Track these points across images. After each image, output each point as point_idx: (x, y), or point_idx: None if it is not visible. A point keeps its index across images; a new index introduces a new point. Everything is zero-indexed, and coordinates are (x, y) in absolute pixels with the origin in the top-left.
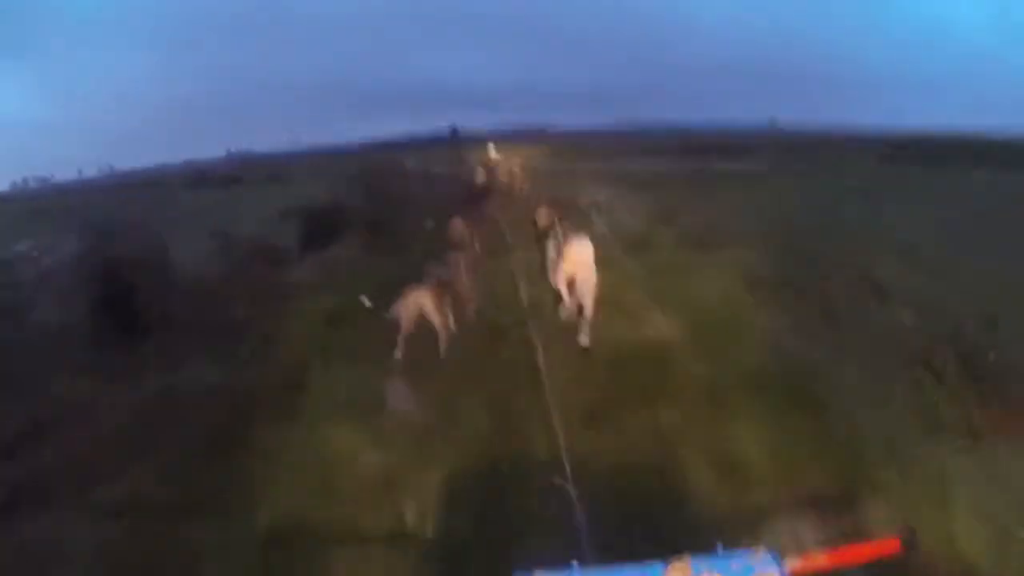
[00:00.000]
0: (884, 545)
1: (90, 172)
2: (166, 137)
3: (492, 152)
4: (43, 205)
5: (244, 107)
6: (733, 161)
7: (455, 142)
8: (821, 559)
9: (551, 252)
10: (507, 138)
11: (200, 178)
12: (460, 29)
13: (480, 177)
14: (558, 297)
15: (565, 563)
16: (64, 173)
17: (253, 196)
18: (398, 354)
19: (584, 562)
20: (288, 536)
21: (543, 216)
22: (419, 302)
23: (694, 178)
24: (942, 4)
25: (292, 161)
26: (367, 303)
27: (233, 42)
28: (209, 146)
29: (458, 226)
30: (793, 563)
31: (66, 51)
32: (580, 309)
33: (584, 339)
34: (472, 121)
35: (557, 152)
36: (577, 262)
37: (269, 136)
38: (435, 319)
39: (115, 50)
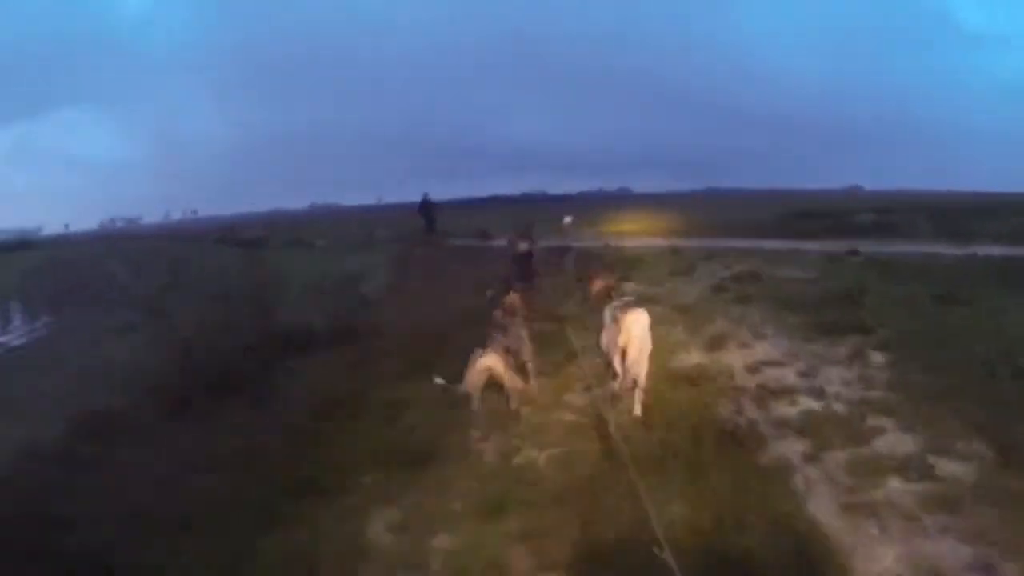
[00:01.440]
0: None
1: (176, 215)
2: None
3: (568, 218)
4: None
5: (330, 162)
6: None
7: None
8: None
9: (607, 321)
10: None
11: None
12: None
13: (523, 247)
14: (612, 370)
15: None
16: (152, 216)
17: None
18: (475, 404)
19: None
20: None
21: (597, 286)
22: (487, 365)
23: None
24: None
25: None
26: (440, 381)
27: (325, 97)
28: (292, 198)
29: (514, 296)
30: None
31: (160, 98)
32: (634, 381)
33: (638, 409)
34: (554, 186)
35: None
36: (632, 333)
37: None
38: (505, 378)
39: (207, 99)
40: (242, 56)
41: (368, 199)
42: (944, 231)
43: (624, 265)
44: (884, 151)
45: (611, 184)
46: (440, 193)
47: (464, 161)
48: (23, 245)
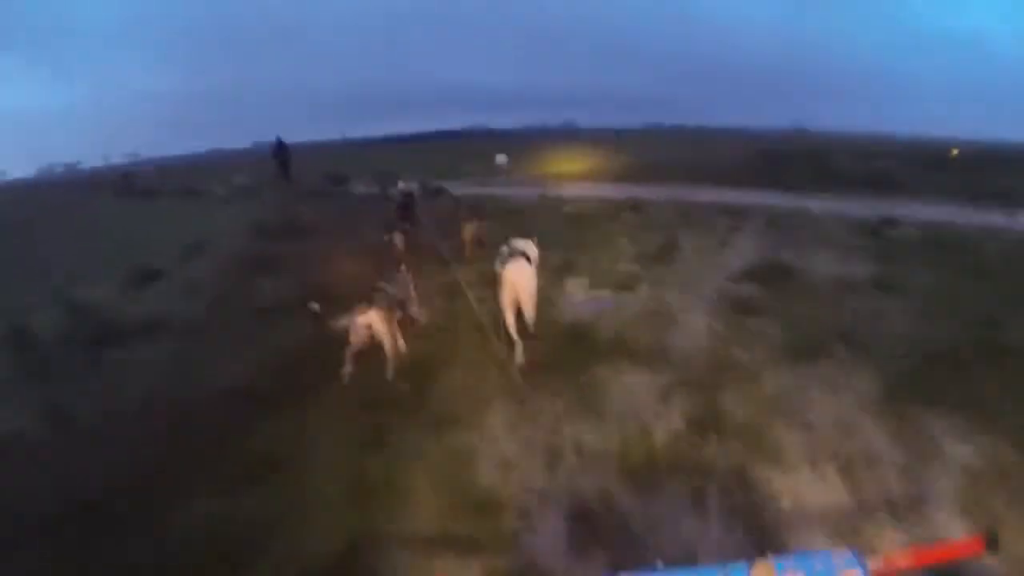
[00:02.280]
0: (967, 545)
1: (117, 159)
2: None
3: (502, 158)
4: None
5: (269, 106)
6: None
7: (280, 154)
8: (903, 559)
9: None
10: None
11: None
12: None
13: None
14: (503, 321)
15: (648, 564)
16: (92, 160)
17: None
18: (347, 369)
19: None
20: None
21: (467, 231)
22: (368, 322)
23: None
24: None
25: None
26: (315, 308)
27: (262, 46)
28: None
29: (398, 241)
30: (875, 563)
31: (91, 48)
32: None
33: (519, 357)
34: (495, 121)
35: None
36: (517, 284)
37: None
38: (385, 340)
39: (146, 49)
40: (188, 11)
41: (334, 134)
42: (960, 188)
43: (567, 233)
44: (824, 96)
45: (556, 119)
46: (386, 128)
47: (409, 99)
48: None
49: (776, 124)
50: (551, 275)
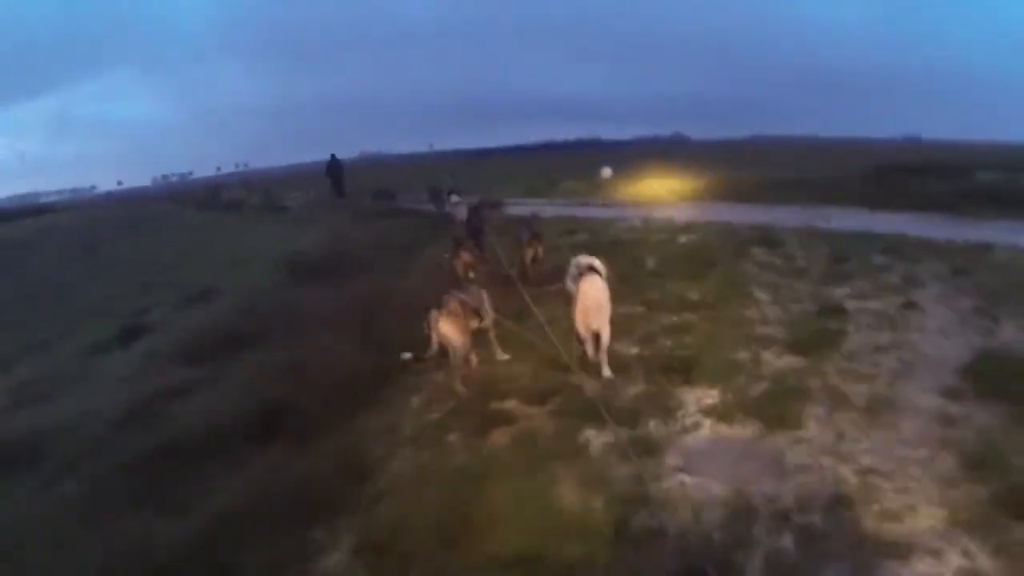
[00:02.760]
0: None
1: (228, 169)
2: (300, 141)
3: (607, 171)
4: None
5: (382, 115)
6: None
7: (333, 171)
8: None
9: (570, 288)
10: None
11: None
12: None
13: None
14: (577, 336)
15: None
16: (204, 170)
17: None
18: (460, 388)
19: None
20: None
21: (528, 251)
22: (443, 331)
23: None
24: None
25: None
26: (407, 356)
27: (370, 58)
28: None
29: (467, 259)
30: None
31: (201, 63)
32: (597, 340)
33: (607, 371)
34: (603, 133)
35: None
36: (592, 301)
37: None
38: (452, 346)
39: (254, 65)
40: (283, 22)
41: (421, 147)
42: None
43: (679, 280)
44: (938, 101)
45: (664, 130)
46: (496, 140)
47: (520, 109)
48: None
49: (886, 133)
50: (655, 376)
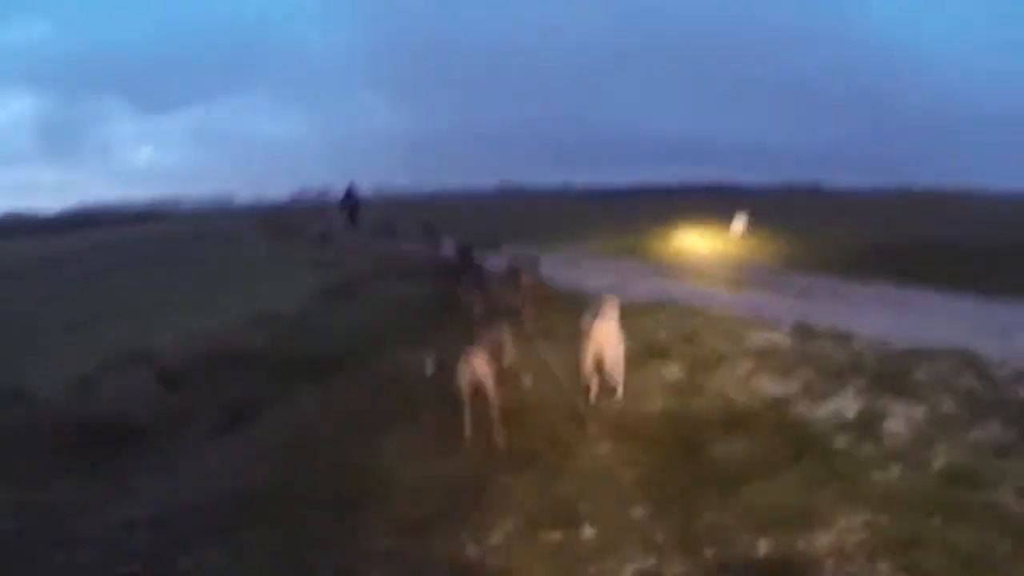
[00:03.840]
0: None
1: (361, 191)
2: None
3: (741, 222)
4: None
5: (517, 145)
6: None
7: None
8: None
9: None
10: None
11: None
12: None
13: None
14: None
15: None
16: (338, 189)
17: None
18: (468, 432)
19: None
20: None
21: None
22: (473, 366)
23: None
24: None
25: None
26: (430, 368)
27: (504, 88)
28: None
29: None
30: None
31: (334, 86)
32: (613, 387)
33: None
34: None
35: None
36: (602, 343)
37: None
38: (488, 385)
39: (386, 89)
40: (411, 49)
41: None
42: None
43: None
44: None
45: (801, 177)
46: (621, 179)
47: (642, 148)
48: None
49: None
50: None
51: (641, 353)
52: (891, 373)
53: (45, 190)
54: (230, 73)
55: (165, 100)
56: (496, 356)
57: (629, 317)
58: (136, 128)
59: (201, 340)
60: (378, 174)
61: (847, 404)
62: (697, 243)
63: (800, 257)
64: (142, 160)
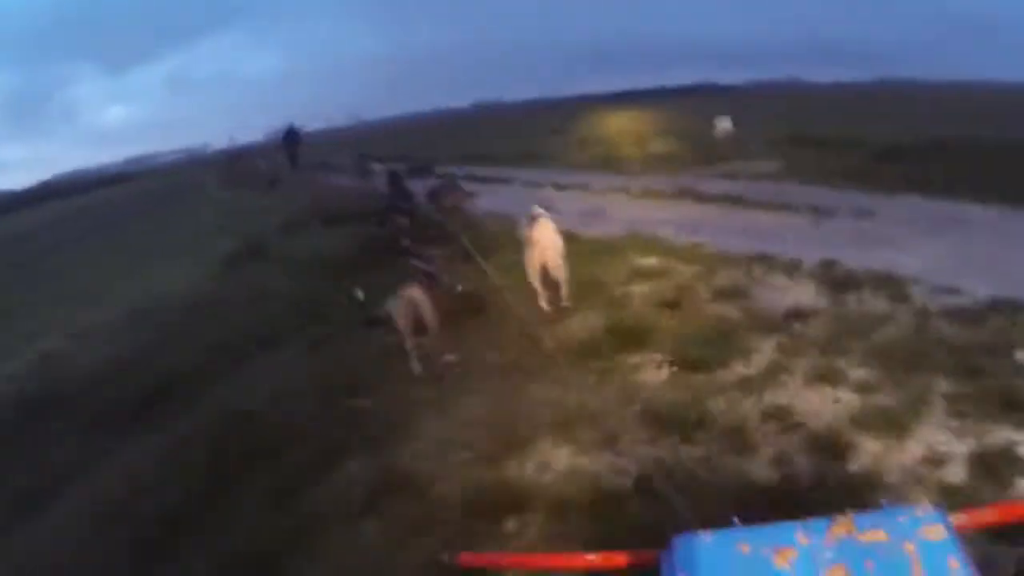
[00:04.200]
0: None
1: (339, 121)
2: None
3: (725, 123)
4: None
5: (489, 64)
6: None
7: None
8: (988, 514)
9: (523, 239)
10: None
11: None
12: None
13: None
14: (535, 289)
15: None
16: (314, 123)
17: None
18: (415, 366)
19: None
20: None
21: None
22: (413, 299)
23: None
24: None
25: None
26: (360, 296)
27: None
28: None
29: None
30: (959, 518)
31: (307, 17)
32: (557, 288)
33: (565, 301)
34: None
35: None
36: (545, 245)
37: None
38: (427, 315)
39: (359, 14)
40: None
41: (532, 93)
42: None
43: None
44: None
45: (778, 73)
46: (603, 86)
47: (627, 54)
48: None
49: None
50: None
51: (605, 335)
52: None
53: (15, 167)
54: (196, 18)
55: (131, 55)
56: (429, 284)
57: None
58: (104, 88)
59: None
60: (359, 101)
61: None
62: (680, 150)
63: (800, 164)
64: (112, 120)
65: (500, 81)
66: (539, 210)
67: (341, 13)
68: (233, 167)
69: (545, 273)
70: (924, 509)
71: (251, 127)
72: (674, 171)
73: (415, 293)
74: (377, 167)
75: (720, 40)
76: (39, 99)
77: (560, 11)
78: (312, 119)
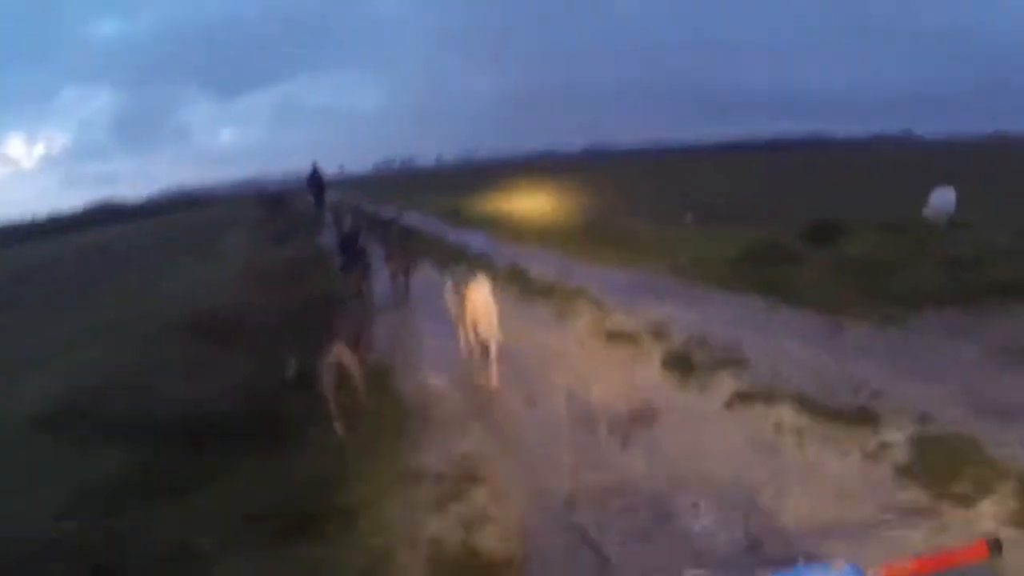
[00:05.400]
0: (971, 551)
1: (448, 157)
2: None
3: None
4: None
5: (604, 106)
6: None
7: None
8: (906, 567)
9: (448, 297)
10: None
11: None
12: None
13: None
14: (466, 347)
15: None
16: (425, 159)
17: None
18: (339, 428)
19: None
20: None
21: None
22: (340, 357)
23: None
24: None
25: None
26: (292, 368)
27: (584, 47)
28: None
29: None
30: (877, 573)
31: (417, 53)
32: (486, 351)
33: (494, 379)
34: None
35: None
36: (476, 302)
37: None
38: (355, 371)
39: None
40: (497, 12)
41: (641, 138)
42: None
43: None
44: None
45: (892, 127)
46: (705, 136)
47: (734, 104)
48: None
49: None
50: None
51: None
52: None
53: (128, 178)
54: (305, 49)
55: (240, 82)
56: (357, 342)
57: None
58: (214, 111)
59: None
60: (471, 138)
61: None
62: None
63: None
64: (223, 143)
65: (610, 123)
66: (463, 269)
67: (452, 49)
68: (280, 204)
69: (480, 333)
70: (840, 566)
71: (360, 159)
72: None
73: (343, 353)
74: (347, 219)
75: (831, 91)
76: (153, 117)
77: (673, 56)
78: (421, 153)
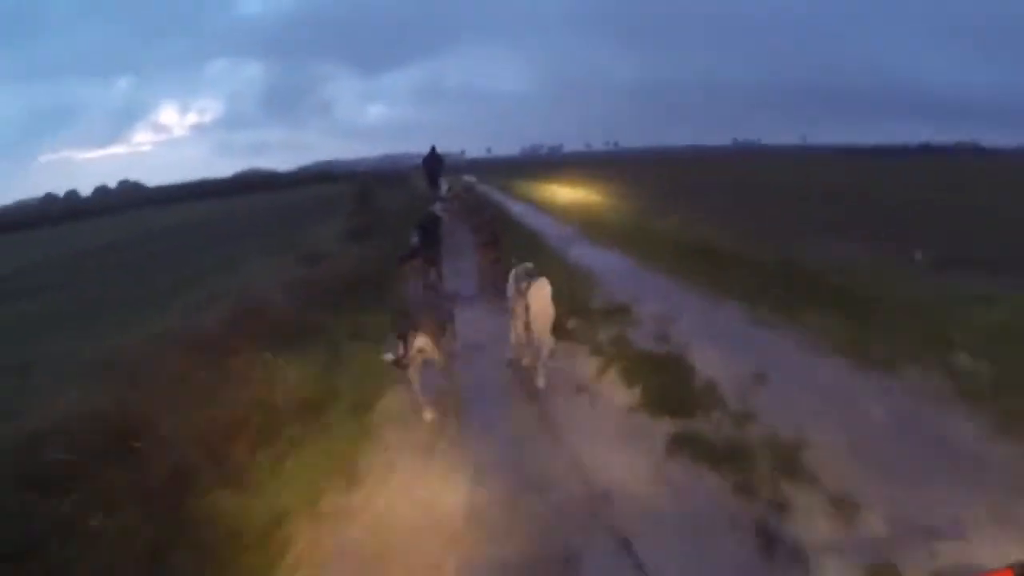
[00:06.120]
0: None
1: (598, 146)
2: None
3: None
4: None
5: (752, 103)
6: None
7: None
8: None
9: (511, 294)
10: None
11: None
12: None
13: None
14: (516, 345)
15: None
16: (574, 144)
17: None
18: (427, 414)
19: None
20: None
21: (487, 258)
22: (420, 345)
23: None
24: None
25: None
26: (390, 357)
27: (743, 44)
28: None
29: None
30: None
31: (565, 36)
32: (537, 353)
33: (541, 381)
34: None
35: None
36: (535, 304)
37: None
38: (436, 356)
39: (612, 38)
40: (651, 6)
41: (792, 139)
42: None
43: None
44: None
45: None
46: (862, 138)
47: (888, 105)
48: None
49: None
50: None
51: None
52: None
53: (278, 149)
54: (449, 29)
55: (385, 60)
56: (438, 327)
57: None
58: (358, 88)
59: None
60: (617, 127)
61: None
62: None
63: None
64: (368, 118)
65: (758, 121)
66: (530, 267)
67: (600, 37)
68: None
69: (538, 333)
70: None
71: (507, 141)
72: None
73: (424, 342)
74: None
75: (986, 97)
76: (299, 92)
77: (824, 54)
78: (569, 141)
